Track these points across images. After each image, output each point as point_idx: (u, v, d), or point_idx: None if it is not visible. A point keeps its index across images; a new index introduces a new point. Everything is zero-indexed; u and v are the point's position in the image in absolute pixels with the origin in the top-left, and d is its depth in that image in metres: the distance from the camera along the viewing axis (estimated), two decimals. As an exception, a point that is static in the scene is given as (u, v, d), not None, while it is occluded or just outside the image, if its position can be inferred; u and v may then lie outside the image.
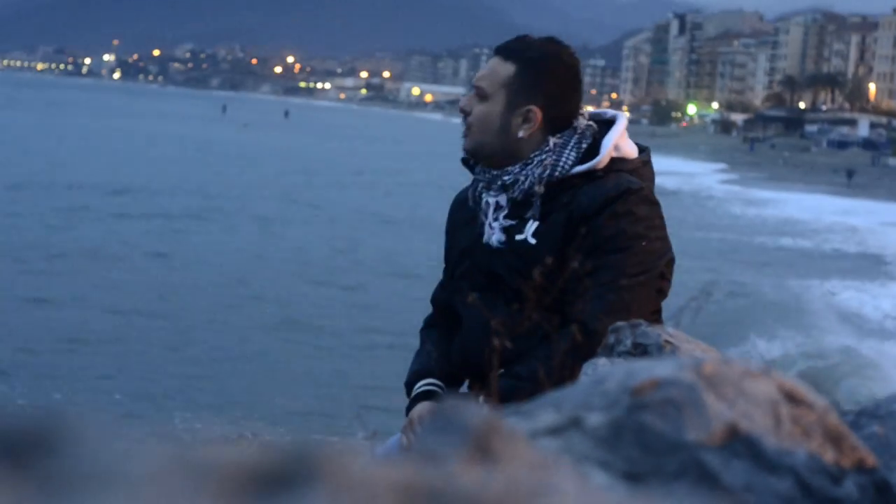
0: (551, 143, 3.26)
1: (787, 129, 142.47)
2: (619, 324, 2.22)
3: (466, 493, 0.75)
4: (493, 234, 3.26)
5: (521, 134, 3.27)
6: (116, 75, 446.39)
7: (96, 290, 21.28)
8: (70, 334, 17.58)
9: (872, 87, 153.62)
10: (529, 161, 3.26)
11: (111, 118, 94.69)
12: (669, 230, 3.25)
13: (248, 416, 12.60)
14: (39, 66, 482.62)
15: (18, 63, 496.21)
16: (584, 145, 3.26)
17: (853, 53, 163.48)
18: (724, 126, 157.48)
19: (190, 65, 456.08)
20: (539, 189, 3.21)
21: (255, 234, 31.28)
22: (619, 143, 3.28)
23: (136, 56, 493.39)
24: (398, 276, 24.42)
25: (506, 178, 3.26)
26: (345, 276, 24.59)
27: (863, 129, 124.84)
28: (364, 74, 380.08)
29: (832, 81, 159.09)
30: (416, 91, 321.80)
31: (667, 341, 2.16)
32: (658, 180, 3.38)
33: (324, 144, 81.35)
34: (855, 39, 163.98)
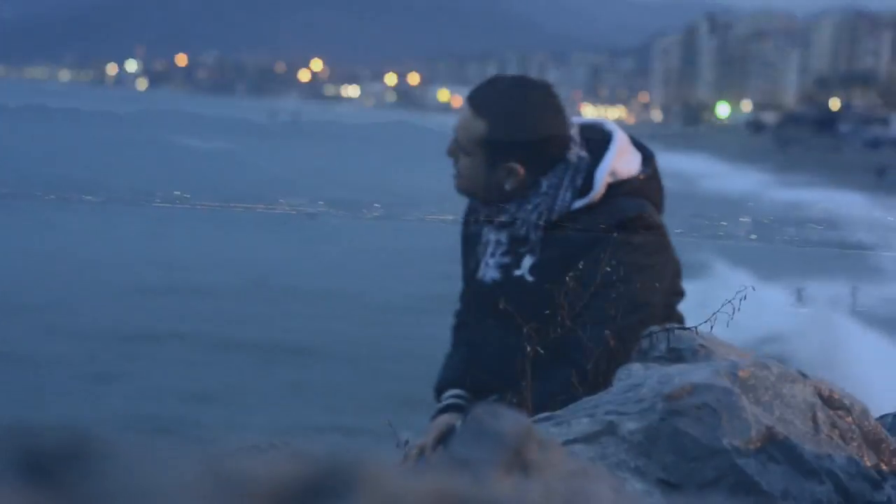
0: (544, 187, 3.18)
1: (819, 129, 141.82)
2: (653, 328, 2.21)
3: (502, 502, 0.74)
4: (488, 272, 3.24)
5: (507, 187, 3.20)
6: (142, 85, 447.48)
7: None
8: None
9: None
10: (525, 201, 3.19)
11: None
12: None
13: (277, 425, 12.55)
14: (63, 76, 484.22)
15: (41, 74, 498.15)
16: (579, 182, 3.17)
17: (886, 52, 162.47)
18: (756, 126, 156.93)
19: (216, 72, 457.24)
20: (537, 233, 3.16)
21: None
22: (615, 166, 3.17)
23: (161, 64, 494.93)
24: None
25: (503, 217, 3.22)
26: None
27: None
28: (391, 79, 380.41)
29: (865, 80, 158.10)
30: (443, 95, 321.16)
31: (701, 345, 2.14)
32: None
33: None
34: (888, 37, 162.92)
